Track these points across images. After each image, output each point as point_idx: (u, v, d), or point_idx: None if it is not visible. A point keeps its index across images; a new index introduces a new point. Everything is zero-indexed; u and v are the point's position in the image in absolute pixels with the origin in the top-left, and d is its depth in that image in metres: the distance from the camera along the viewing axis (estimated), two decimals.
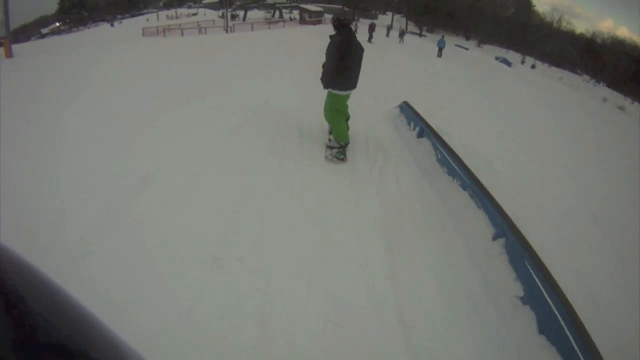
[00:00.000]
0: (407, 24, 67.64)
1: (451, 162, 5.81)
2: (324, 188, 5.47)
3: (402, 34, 43.23)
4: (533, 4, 74.50)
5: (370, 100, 10.19)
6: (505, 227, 4.13)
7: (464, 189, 5.29)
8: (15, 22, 60.67)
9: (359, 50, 6.40)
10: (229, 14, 46.20)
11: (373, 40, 33.14)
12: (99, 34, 47.98)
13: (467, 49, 53.96)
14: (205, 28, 38.31)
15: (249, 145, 6.62)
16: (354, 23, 40.95)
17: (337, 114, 6.63)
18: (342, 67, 6.22)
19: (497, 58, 52.57)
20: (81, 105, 8.15)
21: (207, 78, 11.78)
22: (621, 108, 49.91)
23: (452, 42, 58.48)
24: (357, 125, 7.69)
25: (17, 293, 0.49)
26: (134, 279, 3.41)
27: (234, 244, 4.07)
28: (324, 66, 6.50)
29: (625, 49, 67.94)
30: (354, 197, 5.36)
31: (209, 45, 22.30)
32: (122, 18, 74.64)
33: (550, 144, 11.00)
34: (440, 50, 34.78)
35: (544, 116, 15.87)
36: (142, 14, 77.48)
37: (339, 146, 6.51)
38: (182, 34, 35.26)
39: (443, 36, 41.97)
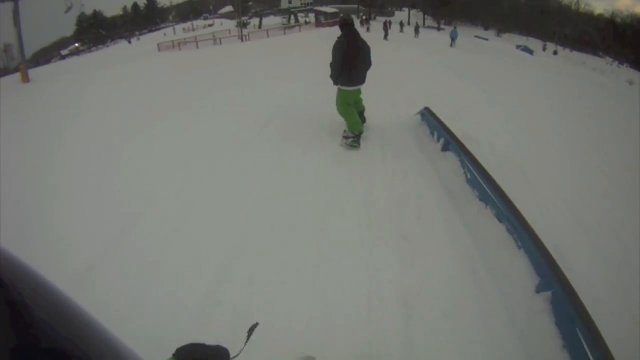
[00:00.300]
0: (424, 18, 66.46)
1: (483, 184, 4.98)
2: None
3: (416, 29, 43.07)
4: None
5: (388, 105, 9.56)
6: (552, 277, 3.30)
7: (500, 220, 4.47)
8: (35, 46, 62.56)
9: (364, 47, 6.94)
10: (243, 22, 46.05)
11: (389, 37, 33.11)
12: (117, 51, 48.66)
13: (486, 39, 53.26)
14: (220, 39, 37.74)
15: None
16: (365, 22, 43.24)
17: (347, 107, 7.17)
18: (347, 64, 6.78)
19: (518, 46, 51.19)
20: (80, 131, 8.44)
21: (214, 91, 11.52)
22: None
23: (471, 33, 57.82)
24: (372, 138, 7.50)
25: (17, 296, 0.49)
26: None
27: None
28: (330, 65, 7.03)
29: None
30: (364, 252, 4.40)
31: (222, 56, 21.77)
32: (140, 34, 76.00)
33: (591, 143, 9.82)
34: (452, 40, 35.17)
35: (577, 110, 14.41)
36: (159, 29, 78.40)
37: (353, 135, 7.13)
38: (197, 46, 34.83)
39: (455, 27, 42.56)
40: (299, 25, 52.78)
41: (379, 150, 7.01)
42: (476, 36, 54.87)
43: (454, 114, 8.86)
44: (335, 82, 7.16)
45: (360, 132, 7.17)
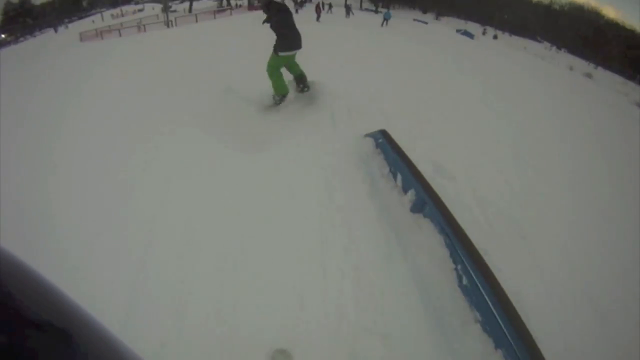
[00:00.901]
0: (361, 1, 64.02)
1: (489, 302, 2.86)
2: None
3: (347, 9, 43.33)
4: None
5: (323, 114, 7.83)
6: None
7: None
8: None
9: (289, 16, 7.22)
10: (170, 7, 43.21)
11: (321, 19, 32.89)
12: (41, 42, 44.24)
13: (426, 22, 51.74)
14: (145, 25, 34.13)
15: None
16: (297, 5, 42.88)
17: (273, 71, 7.46)
18: (288, 30, 7.18)
19: (458, 31, 49.42)
20: None
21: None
22: (588, 75, 48.35)
23: (409, 16, 56.66)
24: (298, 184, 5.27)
25: (17, 295, 0.50)
26: None
27: None
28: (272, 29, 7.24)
29: (583, 14, 66.82)
30: None
31: (139, 48, 19.30)
32: (69, 22, 69.77)
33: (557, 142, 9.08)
34: (385, 20, 35.98)
35: (533, 100, 13.56)
36: (88, 16, 72.62)
37: (278, 96, 7.62)
38: (120, 34, 31.62)
39: (389, 9, 45.45)
40: (230, 9, 48.46)
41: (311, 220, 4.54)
42: (415, 19, 53.24)
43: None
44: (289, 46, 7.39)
45: (285, 94, 7.67)
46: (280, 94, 7.59)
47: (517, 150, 7.58)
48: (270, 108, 7.56)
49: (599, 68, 55.89)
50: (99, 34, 34.76)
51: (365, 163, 5.54)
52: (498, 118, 9.43)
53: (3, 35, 66.67)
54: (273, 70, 7.49)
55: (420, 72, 13.52)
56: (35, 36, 63.73)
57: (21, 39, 65.19)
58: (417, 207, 4.19)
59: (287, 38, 7.19)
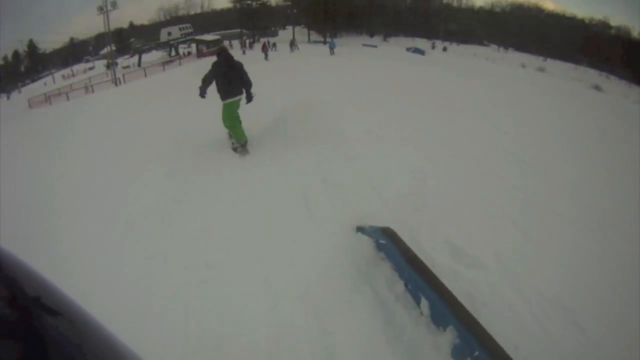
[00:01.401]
0: (309, 34, 63.01)
1: None
2: None
3: (291, 44, 46.57)
4: None
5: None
6: None
7: None
8: None
9: (238, 66, 7.85)
10: (117, 64, 41.51)
11: (269, 57, 34.06)
12: None
13: (375, 46, 52.03)
14: (92, 86, 32.20)
15: None
16: (243, 46, 45.28)
17: (233, 121, 7.88)
18: (225, 80, 7.70)
19: (408, 49, 49.25)
20: None
21: None
22: (541, 69, 48.45)
23: (357, 42, 56.34)
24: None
25: (18, 295, 0.50)
26: None
27: None
28: (202, 80, 7.86)
29: (524, 12, 66.31)
30: None
31: (85, 114, 18.27)
32: (23, 85, 68.07)
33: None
34: (331, 50, 38.54)
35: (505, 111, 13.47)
36: (40, 78, 70.59)
37: (240, 145, 7.96)
38: (68, 98, 30.02)
39: (332, 38, 48.30)
40: (179, 58, 47.03)
41: None
42: (364, 44, 53.54)
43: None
44: (201, 95, 7.93)
45: (246, 141, 7.94)
46: (244, 141, 7.92)
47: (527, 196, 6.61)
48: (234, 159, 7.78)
49: (548, 59, 55.77)
50: (47, 98, 32.94)
51: (365, 276, 3.95)
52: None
53: None
54: (228, 121, 7.91)
55: (382, 103, 12.48)
56: None
57: None
58: (461, 352, 2.69)
59: (223, 87, 7.73)
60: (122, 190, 7.01)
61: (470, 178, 6.87)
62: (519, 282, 4.16)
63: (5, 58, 71.41)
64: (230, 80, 7.67)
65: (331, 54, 36.73)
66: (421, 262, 3.32)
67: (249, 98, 8.05)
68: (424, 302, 3.12)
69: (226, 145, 8.32)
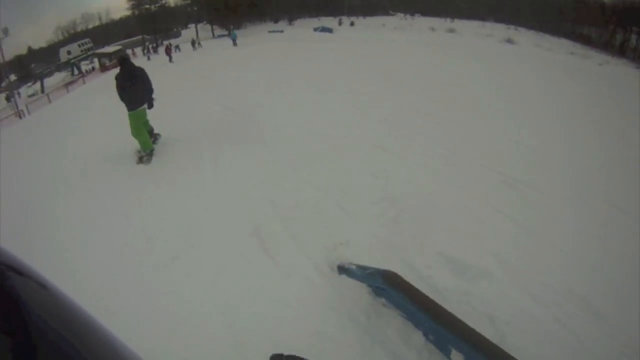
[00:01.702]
0: (212, 29, 62.08)
1: None
2: None
3: (193, 43, 45.15)
4: None
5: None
6: None
7: None
8: None
9: (138, 74, 7.67)
10: (20, 94, 38.77)
11: (174, 59, 32.25)
12: None
13: (282, 31, 50.89)
14: None
15: None
16: (147, 52, 44.23)
17: (139, 130, 7.74)
18: (126, 92, 7.58)
19: (315, 29, 48.32)
20: None
21: None
22: (450, 30, 49.22)
23: (263, 30, 56.13)
24: None
25: (17, 295, 0.49)
26: None
27: None
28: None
29: None
30: None
31: None
32: None
33: None
34: (233, 41, 37.30)
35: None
36: None
37: (146, 154, 7.80)
38: None
39: (233, 29, 47.95)
40: (83, 76, 43.59)
41: None
42: (270, 31, 52.63)
43: None
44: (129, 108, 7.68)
45: (152, 150, 7.92)
46: (149, 149, 7.88)
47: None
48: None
49: (455, 20, 56.24)
50: None
51: (370, 333, 3.05)
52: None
53: None
54: (136, 130, 7.75)
55: (297, 91, 12.13)
56: None
57: None
58: None
59: (128, 97, 7.60)
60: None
61: (438, 169, 6.35)
62: (529, 282, 3.73)
63: None
64: (134, 89, 7.63)
65: (234, 44, 36.33)
66: (440, 307, 2.63)
67: (150, 105, 8.06)
68: (457, 354, 2.47)
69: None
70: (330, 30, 45.29)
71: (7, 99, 40.44)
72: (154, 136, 8.39)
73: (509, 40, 34.88)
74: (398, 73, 14.12)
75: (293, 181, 5.95)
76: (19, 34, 52.60)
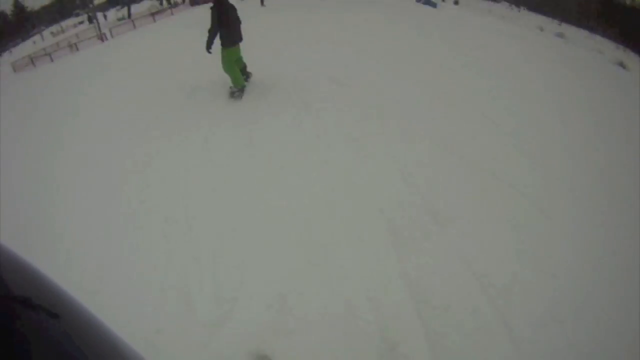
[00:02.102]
0: None
1: None
2: None
3: None
4: None
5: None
6: None
7: None
8: None
9: (233, 11, 7.66)
10: (106, 17, 38.24)
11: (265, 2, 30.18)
12: None
13: None
14: (76, 43, 28.87)
15: None
16: None
17: (230, 66, 7.89)
18: (224, 27, 7.52)
19: (418, 0, 44.32)
20: None
21: None
22: (560, 35, 44.10)
23: None
24: None
25: (16, 293, 0.49)
26: None
27: None
28: (209, 31, 7.58)
29: None
30: None
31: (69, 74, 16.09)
32: (14, 46, 63.60)
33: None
34: None
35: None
36: (30, 37, 65.98)
37: (237, 90, 8.05)
38: (52, 59, 26.81)
39: None
40: (171, 8, 42.43)
41: None
42: None
43: None
44: (209, 48, 7.69)
45: (244, 86, 8.11)
46: (241, 85, 8.04)
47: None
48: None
49: (563, 24, 49.49)
50: (31, 61, 29.48)
51: None
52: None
53: None
54: (227, 66, 7.88)
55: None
56: None
57: None
58: None
59: (225, 34, 7.62)
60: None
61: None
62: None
63: None
64: (231, 26, 7.66)
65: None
66: None
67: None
68: None
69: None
70: (434, 5, 40.94)
71: (90, 20, 40.24)
72: (246, 74, 8.55)
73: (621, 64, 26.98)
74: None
75: None
76: None
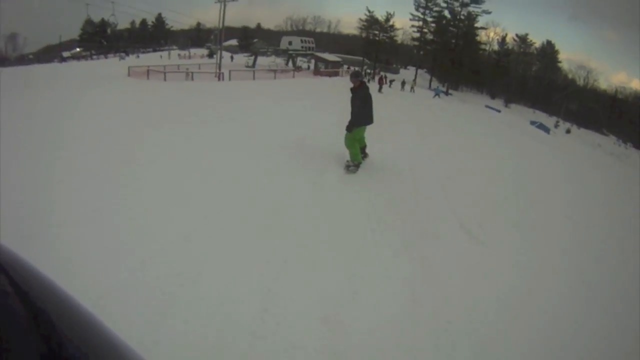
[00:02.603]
0: (431, 79, 58.57)
1: None
2: None
3: (403, 84, 44.09)
4: (559, 60, 64.42)
5: None
6: None
7: None
8: (41, 42, 62.33)
9: (370, 96, 8.06)
10: (232, 58, 38.56)
11: (382, 90, 31.12)
12: (103, 65, 46.01)
13: (499, 111, 45.21)
14: (192, 73, 29.15)
15: None
16: (368, 78, 42.34)
17: (353, 142, 7.93)
18: (359, 109, 7.81)
19: (532, 123, 42.38)
20: None
21: None
22: None
23: (478, 101, 51.37)
24: None
25: (18, 292, 0.49)
26: None
27: None
28: (353, 114, 7.87)
29: None
30: None
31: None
32: (144, 52, 70.92)
33: None
34: (436, 94, 39.43)
35: None
36: (162, 50, 71.90)
37: (354, 165, 8.02)
38: (165, 79, 27.29)
39: (438, 87, 48.00)
40: (294, 71, 42.70)
41: None
42: (487, 106, 46.88)
43: None
44: (351, 129, 7.84)
45: (360, 163, 8.13)
46: (358, 162, 8.09)
47: None
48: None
49: None
50: (147, 73, 30.35)
51: None
52: None
53: (78, 49, 68.58)
54: (350, 142, 7.97)
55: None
56: (107, 57, 66.57)
57: (95, 56, 68.16)
58: None
59: (365, 115, 7.90)
60: None
61: None
62: None
63: (132, 23, 75.69)
64: (366, 108, 7.93)
65: (434, 96, 37.52)
66: None
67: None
68: None
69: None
70: (547, 131, 39.17)
71: (210, 55, 41.15)
72: (364, 153, 8.65)
73: None
74: None
75: None
76: (255, 9, 55.63)
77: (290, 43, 54.99)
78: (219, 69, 29.22)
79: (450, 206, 7.09)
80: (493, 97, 60.82)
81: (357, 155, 8.06)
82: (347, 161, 8.08)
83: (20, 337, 0.43)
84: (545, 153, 17.71)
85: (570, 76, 64.91)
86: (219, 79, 27.54)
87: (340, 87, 10.11)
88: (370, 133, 8.45)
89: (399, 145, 10.38)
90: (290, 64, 53.20)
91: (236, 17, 72.06)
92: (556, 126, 53.90)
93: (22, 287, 0.48)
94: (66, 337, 0.48)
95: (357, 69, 10.71)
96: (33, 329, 0.45)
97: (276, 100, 17.02)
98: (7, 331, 0.42)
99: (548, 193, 9.46)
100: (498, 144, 15.80)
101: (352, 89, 8.05)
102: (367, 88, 8.07)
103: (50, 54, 64.72)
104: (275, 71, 35.17)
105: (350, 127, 7.86)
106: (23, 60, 55.00)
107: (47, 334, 0.46)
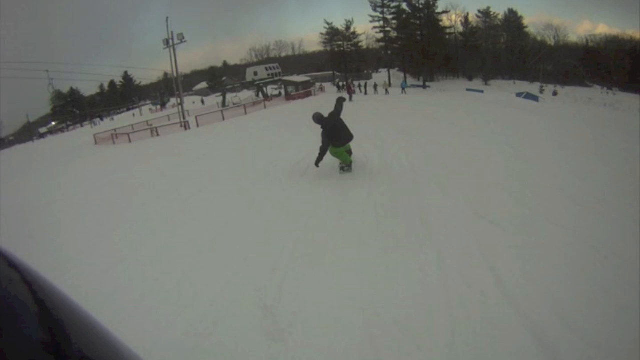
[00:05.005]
0: (405, 77, 57.08)
1: None
2: None
3: (375, 87, 43.92)
4: (525, 26, 64.07)
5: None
6: None
7: None
8: (16, 124, 64.13)
9: (340, 124, 8.39)
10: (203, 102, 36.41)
11: (353, 99, 31.27)
12: (74, 137, 43.79)
13: (482, 91, 42.79)
14: (157, 128, 26.82)
15: None
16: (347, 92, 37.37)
17: (339, 153, 8.44)
18: (334, 141, 8.21)
19: (518, 94, 39.84)
20: None
21: None
22: None
23: (457, 87, 49.97)
24: None
25: (16, 295, 0.48)
26: None
27: None
28: (321, 149, 8.32)
29: (620, 46, 57.57)
30: None
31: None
32: (116, 113, 71.98)
33: None
34: (402, 89, 38.21)
35: None
36: (134, 108, 72.56)
37: (347, 165, 8.69)
38: (130, 140, 25.27)
39: (402, 82, 44.51)
40: (264, 101, 39.91)
41: None
42: (468, 89, 44.70)
43: None
44: (318, 163, 8.44)
45: (351, 162, 8.70)
46: (348, 163, 8.67)
47: None
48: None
49: None
50: (112, 137, 28.49)
51: None
52: None
53: (53, 123, 69.63)
54: (337, 153, 8.47)
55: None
56: (82, 126, 66.88)
57: (71, 127, 68.96)
58: None
59: (339, 138, 8.26)
60: None
61: None
62: None
63: (102, 87, 76.58)
64: (340, 135, 8.33)
65: (402, 92, 36.75)
66: None
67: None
68: None
69: None
70: (536, 99, 36.29)
71: (162, 105, 39.23)
72: (350, 152, 8.93)
73: None
74: None
75: None
76: (220, 47, 54.35)
77: (255, 73, 52.88)
78: (183, 118, 26.56)
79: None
80: (470, 79, 59.38)
81: (347, 158, 8.71)
82: (340, 164, 8.80)
83: (20, 337, 0.42)
84: (548, 127, 14.81)
85: (539, 38, 64.37)
86: (185, 129, 24.97)
87: (315, 108, 9.58)
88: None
89: (379, 153, 9.95)
90: (260, 95, 51.09)
91: (202, 60, 71.15)
92: (541, 91, 52.11)
93: (21, 288, 0.47)
94: (66, 337, 0.47)
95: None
96: (33, 330, 0.44)
97: (245, 141, 15.10)
98: (7, 331, 0.41)
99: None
100: (497, 127, 13.03)
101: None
102: (332, 121, 8.34)
103: (28, 132, 65.29)
104: (245, 106, 32.41)
105: (318, 158, 8.38)
106: (3, 143, 57.31)
107: (47, 334, 0.45)
